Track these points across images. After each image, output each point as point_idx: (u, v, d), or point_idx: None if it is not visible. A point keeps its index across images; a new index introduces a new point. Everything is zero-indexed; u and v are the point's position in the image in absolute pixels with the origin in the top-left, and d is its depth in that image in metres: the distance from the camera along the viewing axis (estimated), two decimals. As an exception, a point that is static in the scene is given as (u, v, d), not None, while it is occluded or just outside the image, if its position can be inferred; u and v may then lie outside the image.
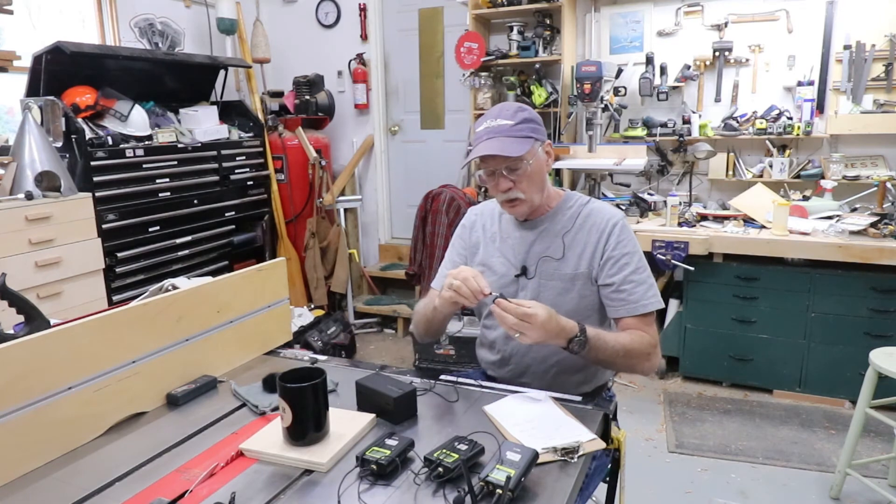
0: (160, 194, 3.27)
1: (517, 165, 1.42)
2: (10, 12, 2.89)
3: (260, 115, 4.08)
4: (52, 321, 1.30)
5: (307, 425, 1.10)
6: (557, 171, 3.70)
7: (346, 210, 4.32)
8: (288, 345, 1.69)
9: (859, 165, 3.28)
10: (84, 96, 3.08)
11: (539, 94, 3.72)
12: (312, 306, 3.78)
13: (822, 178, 3.28)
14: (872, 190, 3.14)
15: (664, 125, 3.55)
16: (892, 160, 3.27)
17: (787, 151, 3.41)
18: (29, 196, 2.58)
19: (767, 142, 3.44)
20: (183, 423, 1.25)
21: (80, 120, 2.99)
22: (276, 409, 1.23)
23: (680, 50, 3.57)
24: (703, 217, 3.34)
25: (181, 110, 3.64)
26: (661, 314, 3.37)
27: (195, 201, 3.49)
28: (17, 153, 2.69)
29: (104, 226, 2.95)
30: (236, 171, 3.76)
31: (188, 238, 3.45)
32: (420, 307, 1.59)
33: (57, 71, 3.01)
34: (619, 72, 3.53)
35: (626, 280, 1.44)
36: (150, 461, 1.11)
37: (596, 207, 1.53)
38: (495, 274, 1.56)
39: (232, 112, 3.97)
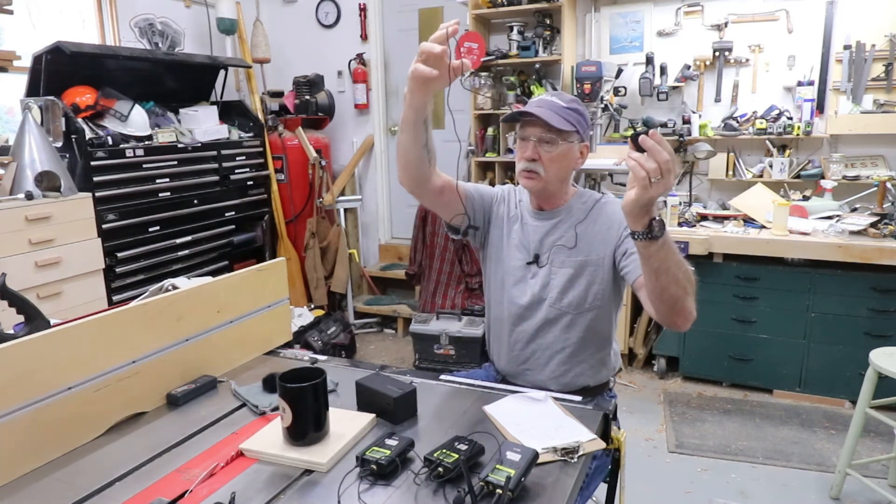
0: (160, 194, 3.27)
1: (551, 141, 1.47)
2: (10, 12, 2.89)
3: (260, 115, 4.08)
4: (52, 321, 1.30)
5: (307, 425, 1.10)
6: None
7: (346, 210, 4.32)
8: (288, 345, 1.68)
9: (859, 165, 3.28)
10: (84, 96, 3.08)
11: (539, 94, 3.72)
12: (312, 306, 3.78)
13: (822, 178, 3.28)
14: (872, 190, 3.14)
15: (664, 125, 3.55)
16: (892, 160, 3.27)
17: (787, 151, 3.41)
18: (29, 196, 2.58)
19: (767, 142, 3.44)
20: (183, 423, 1.25)
21: (80, 120, 2.99)
22: (276, 409, 1.23)
23: (680, 50, 3.57)
24: (703, 217, 3.34)
25: (181, 110, 3.64)
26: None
27: (195, 201, 3.49)
28: (17, 153, 2.69)
29: (104, 226, 2.95)
30: (236, 171, 3.76)
31: (188, 238, 3.45)
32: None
33: (57, 71, 3.00)
34: (619, 72, 3.53)
35: None
36: (150, 461, 1.11)
37: (611, 200, 1.59)
38: (508, 256, 1.61)
39: (232, 112, 3.97)
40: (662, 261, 1.18)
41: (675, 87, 3.59)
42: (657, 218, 1.13)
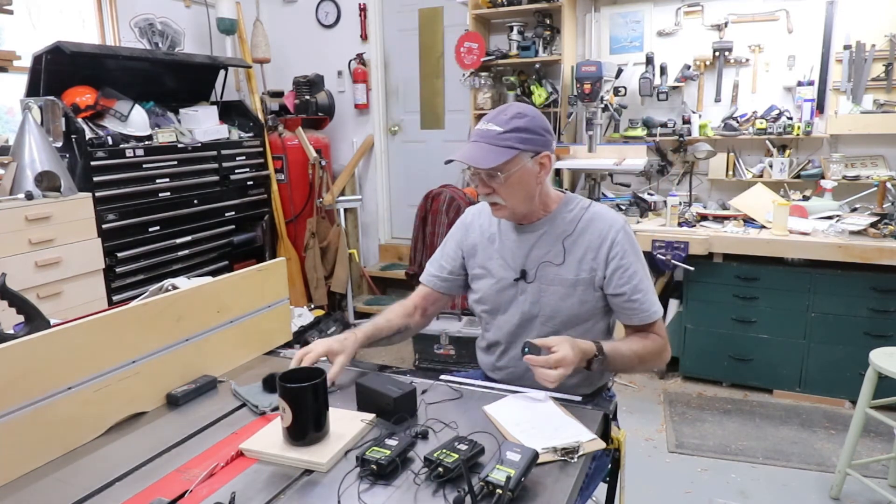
0: (160, 194, 3.27)
1: (494, 174, 1.38)
2: (10, 12, 2.89)
3: (260, 115, 4.08)
4: (52, 321, 1.30)
5: (307, 425, 1.10)
6: (557, 172, 3.69)
7: (346, 210, 4.32)
8: (288, 345, 1.68)
9: (859, 165, 3.28)
10: (84, 96, 3.08)
11: (539, 94, 3.72)
12: (312, 306, 3.78)
13: (822, 178, 3.28)
14: (872, 190, 3.14)
15: (664, 125, 3.55)
16: (892, 160, 3.27)
17: (787, 151, 3.41)
18: (29, 196, 2.58)
19: (767, 142, 3.44)
20: (183, 423, 1.25)
21: (80, 120, 2.99)
22: (276, 409, 1.23)
23: (680, 50, 3.57)
24: (703, 217, 3.34)
25: (181, 110, 3.64)
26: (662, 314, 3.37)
27: (195, 201, 3.49)
28: (17, 153, 2.69)
29: (104, 226, 2.95)
30: (236, 171, 3.76)
31: (188, 238, 3.45)
32: (392, 309, 1.62)
33: (57, 71, 3.01)
34: (619, 72, 3.53)
35: (636, 289, 1.43)
36: (150, 461, 1.11)
37: (598, 212, 1.49)
38: (494, 277, 1.54)
39: (232, 112, 3.97)
40: (616, 366, 1.44)
41: (675, 87, 3.59)
42: (594, 359, 1.34)
